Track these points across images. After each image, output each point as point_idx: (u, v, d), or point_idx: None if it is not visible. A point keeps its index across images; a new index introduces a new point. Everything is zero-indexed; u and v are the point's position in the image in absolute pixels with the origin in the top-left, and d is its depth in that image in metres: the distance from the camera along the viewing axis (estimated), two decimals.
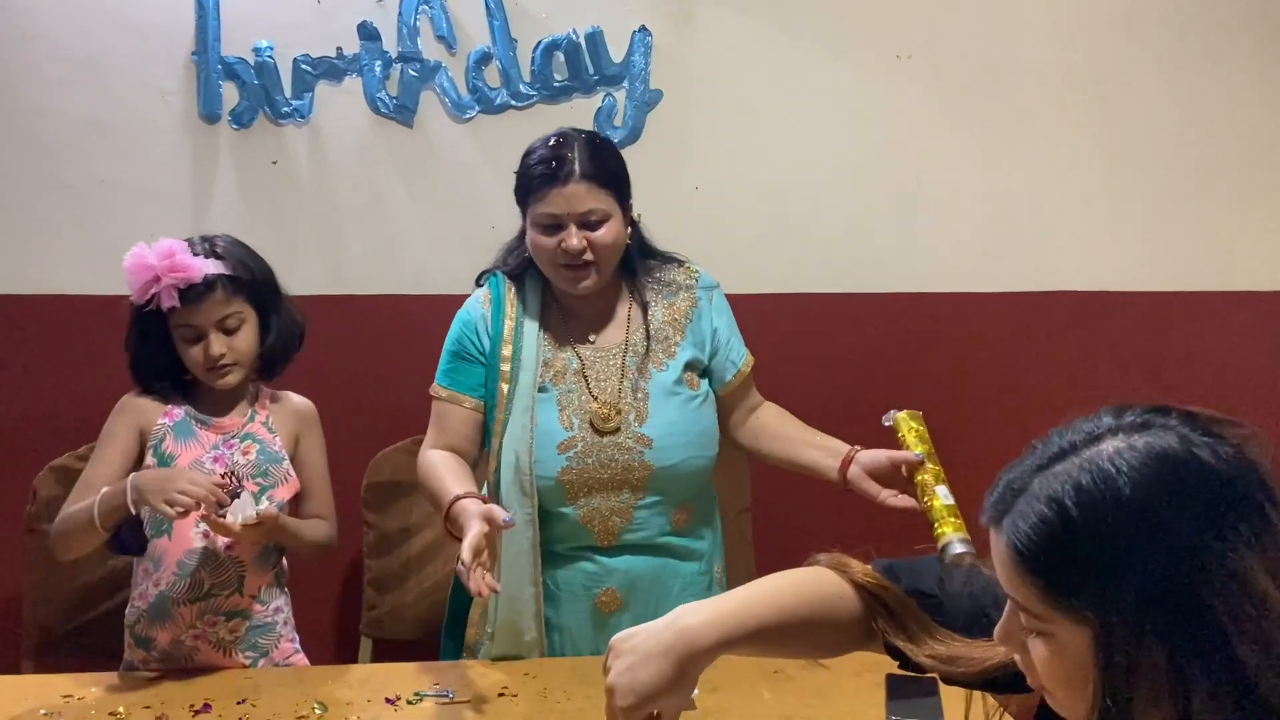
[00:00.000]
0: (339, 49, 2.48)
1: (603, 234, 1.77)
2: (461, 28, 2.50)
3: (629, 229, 1.84)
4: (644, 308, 1.87)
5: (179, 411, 1.83)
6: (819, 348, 2.66)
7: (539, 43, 2.51)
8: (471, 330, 1.86)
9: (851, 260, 2.65)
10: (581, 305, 1.87)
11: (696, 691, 1.59)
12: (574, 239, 1.75)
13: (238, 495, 1.69)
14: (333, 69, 2.49)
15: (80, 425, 2.41)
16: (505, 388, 1.82)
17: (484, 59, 2.50)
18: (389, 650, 2.29)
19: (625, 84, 2.54)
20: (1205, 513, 0.81)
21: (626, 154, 1.91)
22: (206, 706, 1.61)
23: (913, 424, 1.77)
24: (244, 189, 2.52)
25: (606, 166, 1.79)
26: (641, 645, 1.07)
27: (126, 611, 1.83)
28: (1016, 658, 0.93)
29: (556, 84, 2.52)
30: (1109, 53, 2.65)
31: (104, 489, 1.70)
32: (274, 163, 2.51)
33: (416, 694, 1.64)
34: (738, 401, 1.97)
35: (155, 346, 1.81)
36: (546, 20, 2.51)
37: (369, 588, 2.38)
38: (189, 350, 1.79)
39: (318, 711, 1.58)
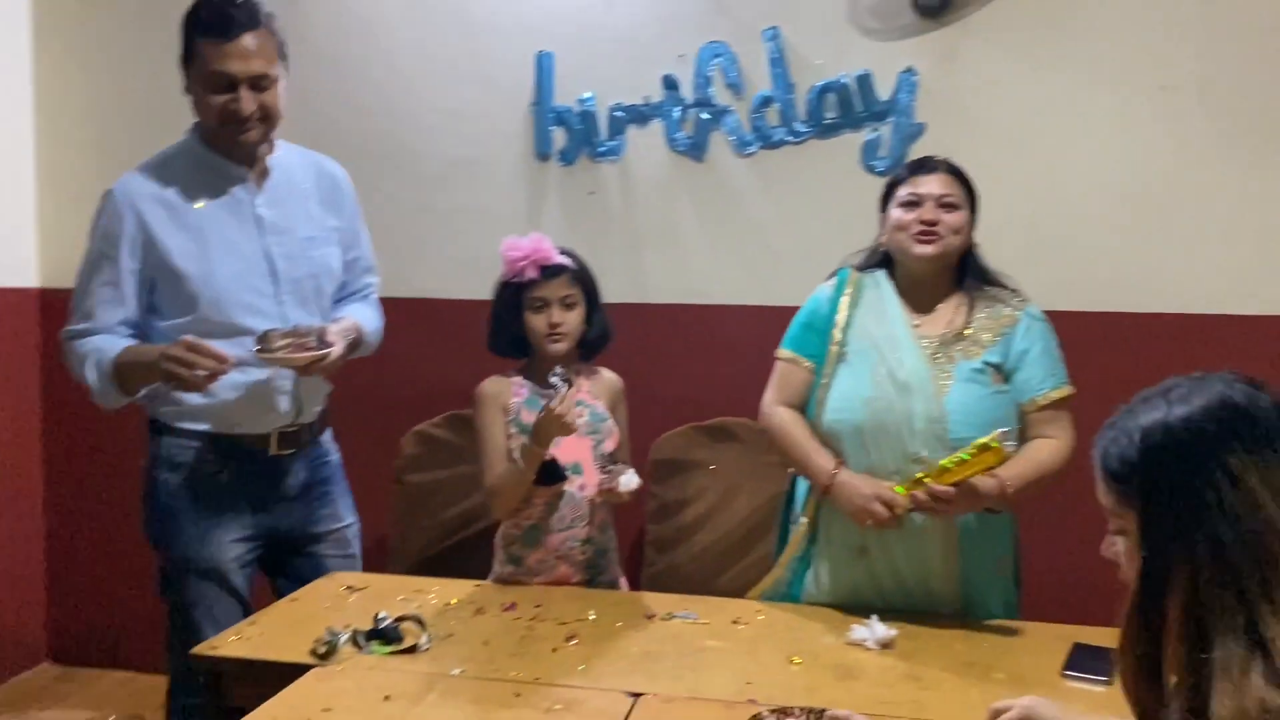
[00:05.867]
0: (645, 97, 2.98)
1: (953, 216, 2.10)
2: (747, 76, 2.92)
3: (972, 231, 2.16)
4: (970, 309, 2.14)
5: (525, 390, 2.31)
6: (1079, 365, 2.81)
7: (814, 86, 2.88)
8: (819, 306, 2.21)
9: (1110, 281, 2.81)
10: (917, 297, 2.16)
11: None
12: (929, 213, 2.10)
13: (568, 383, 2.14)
14: (640, 115, 2.99)
15: (435, 400, 3.04)
16: (834, 351, 2.14)
17: (765, 102, 2.91)
18: None
19: (891, 119, 2.85)
20: (1217, 429, 1.09)
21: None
22: (513, 605, 2.09)
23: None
24: (567, 215, 3.07)
25: (963, 172, 2.16)
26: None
27: (498, 536, 2.33)
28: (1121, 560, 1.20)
29: (827, 121, 2.88)
30: None
31: (513, 450, 2.23)
32: (591, 193, 3.05)
33: (669, 614, 2.05)
34: (1029, 425, 2.12)
35: (509, 318, 2.31)
36: (822, 66, 2.88)
37: (649, 547, 2.83)
38: (535, 319, 2.27)
39: (591, 617, 2.03)
